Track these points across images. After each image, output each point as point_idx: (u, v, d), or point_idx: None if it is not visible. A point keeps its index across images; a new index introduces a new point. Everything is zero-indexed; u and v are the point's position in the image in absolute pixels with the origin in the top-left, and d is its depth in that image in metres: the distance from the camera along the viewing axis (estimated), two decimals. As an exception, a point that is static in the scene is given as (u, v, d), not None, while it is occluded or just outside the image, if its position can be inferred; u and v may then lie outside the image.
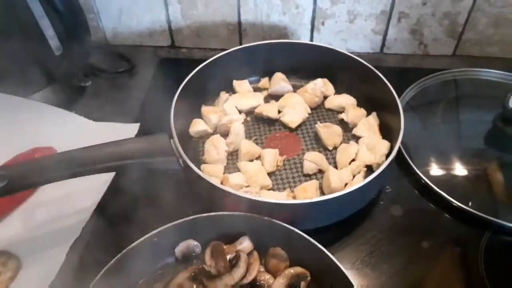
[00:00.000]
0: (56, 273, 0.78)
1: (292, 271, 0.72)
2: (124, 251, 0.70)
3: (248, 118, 1.01)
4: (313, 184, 0.85)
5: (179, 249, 0.76)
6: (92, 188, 0.91)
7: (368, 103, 0.99)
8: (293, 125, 0.96)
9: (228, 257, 0.74)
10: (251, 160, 0.91)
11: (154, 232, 0.73)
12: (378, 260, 0.79)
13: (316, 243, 0.69)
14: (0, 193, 0.68)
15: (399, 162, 0.91)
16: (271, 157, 0.89)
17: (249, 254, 0.75)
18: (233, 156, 0.94)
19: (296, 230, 0.71)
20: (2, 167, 0.80)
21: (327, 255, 0.68)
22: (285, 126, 0.98)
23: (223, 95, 1.03)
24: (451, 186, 0.87)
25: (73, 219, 0.87)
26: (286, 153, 0.92)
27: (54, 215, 0.88)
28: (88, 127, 1.04)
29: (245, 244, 0.76)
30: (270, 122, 0.99)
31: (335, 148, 0.93)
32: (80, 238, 0.83)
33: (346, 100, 1.00)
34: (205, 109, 0.99)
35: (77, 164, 0.72)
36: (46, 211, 0.89)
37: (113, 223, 0.83)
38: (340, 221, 0.82)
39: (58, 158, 0.74)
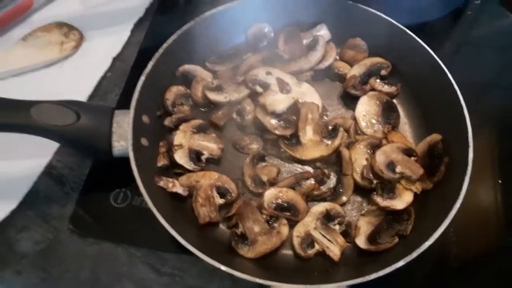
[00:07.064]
0: (121, 47, 0.76)
1: (371, 60, 0.68)
2: (192, 21, 0.66)
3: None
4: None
5: (251, 31, 0.71)
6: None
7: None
8: None
9: (304, 42, 0.69)
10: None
11: (225, 6, 0.67)
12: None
13: (409, 31, 0.64)
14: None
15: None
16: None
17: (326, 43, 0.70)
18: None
19: (386, 17, 0.65)
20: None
21: (420, 44, 0.63)
22: None
23: None
24: None
25: (134, 1, 0.82)
26: None
27: (114, -5, 0.84)
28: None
29: (322, 32, 0.70)
30: None
31: None
32: (145, 18, 0.79)
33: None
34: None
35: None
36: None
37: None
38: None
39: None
